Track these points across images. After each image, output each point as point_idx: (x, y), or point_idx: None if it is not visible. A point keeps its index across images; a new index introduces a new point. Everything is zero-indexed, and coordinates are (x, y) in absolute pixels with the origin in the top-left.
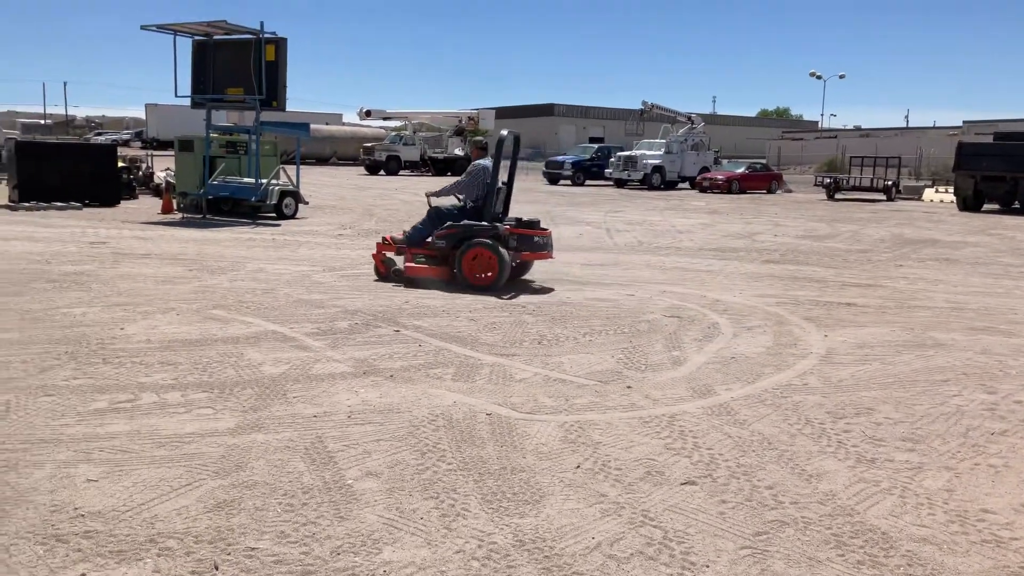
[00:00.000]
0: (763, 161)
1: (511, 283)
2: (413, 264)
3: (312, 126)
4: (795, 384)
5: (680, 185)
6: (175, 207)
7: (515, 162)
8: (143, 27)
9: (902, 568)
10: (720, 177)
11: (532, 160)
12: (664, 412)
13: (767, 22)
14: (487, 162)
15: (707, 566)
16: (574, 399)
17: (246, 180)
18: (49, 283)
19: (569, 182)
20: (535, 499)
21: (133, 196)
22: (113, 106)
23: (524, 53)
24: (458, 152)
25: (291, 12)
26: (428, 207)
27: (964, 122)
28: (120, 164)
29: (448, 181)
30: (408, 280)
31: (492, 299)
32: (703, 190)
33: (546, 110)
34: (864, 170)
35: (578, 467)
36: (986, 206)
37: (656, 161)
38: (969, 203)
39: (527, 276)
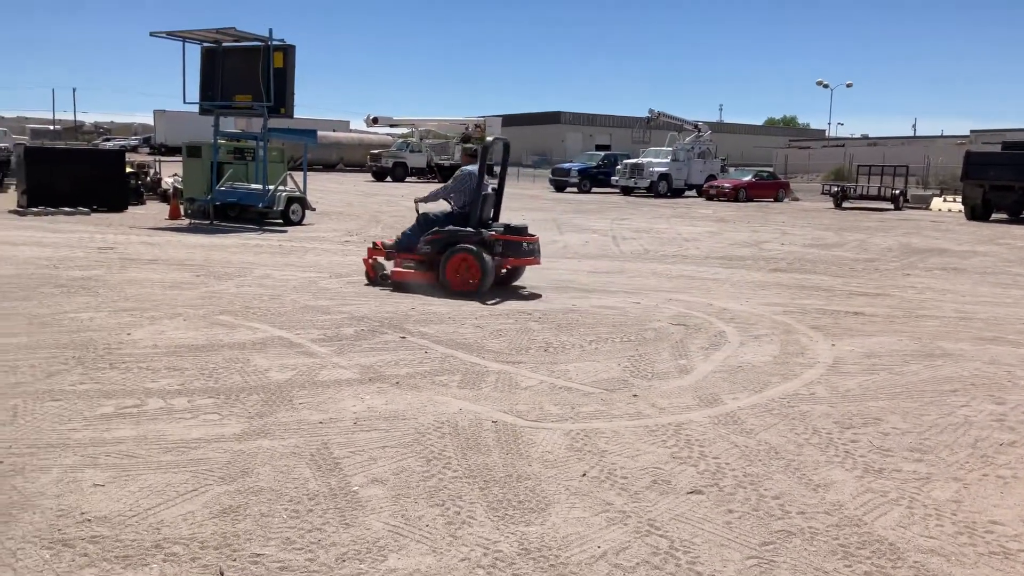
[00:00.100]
0: (770, 169)
1: (500, 289)
2: (400, 269)
3: (319, 133)
4: (802, 393)
5: (687, 193)
6: (183, 213)
7: (505, 168)
8: (152, 34)
9: None
10: (727, 185)
11: (539, 167)
12: (670, 421)
13: (774, 30)
14: (474, 168)
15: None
16: (580, 407)
17: (253, 186)
18: (57, 288)
19: (575, 189)
20: (541, 507)
21: (141, 202)
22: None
23: (531, 61)
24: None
25: (300, 19)
26: (416, 213)
27: (972, 131)
28: (128, 170)
29: (437, 187)
30: (395, 285)
31: (498, 306)
32: (710, 198)
33: (553, 118)
34: (871, 179)
35: (584, 475)
36: (994, 215)
37: (663, 169)
38: (977, 212)
39: (519, 282)
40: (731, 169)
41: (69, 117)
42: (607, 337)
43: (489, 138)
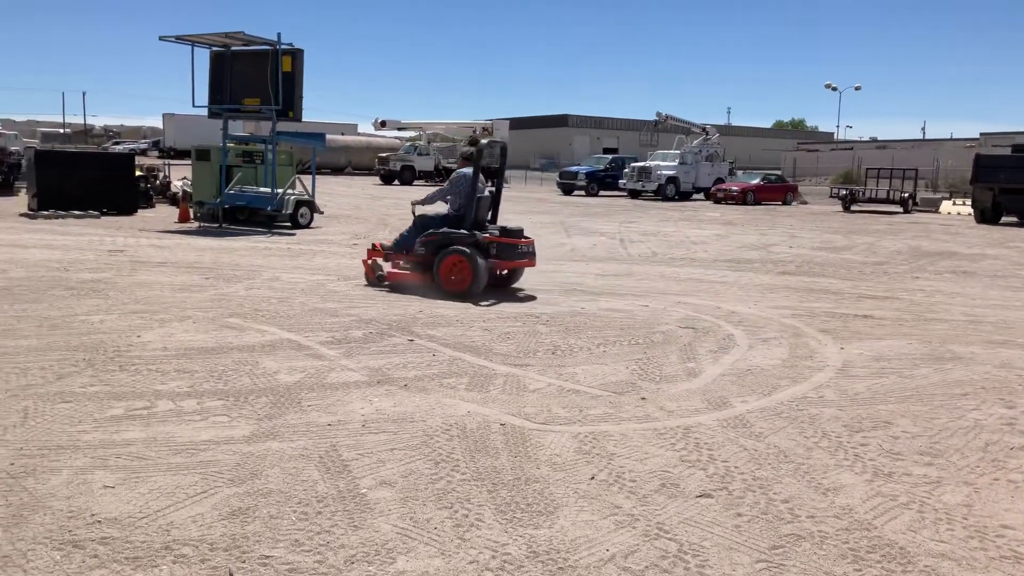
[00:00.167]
0: (778, 172)
1: (498, 291)
2: (395, 270)
3: (327, 136)
4: (811, 397)
5: (694, 196)
6: (192, 216)
7: (503, 171)
8: (161, 38)
9: None
10: (735, 188)
11: (546, 171)
12: (679, 424)
13: (782, 33)
14: (469, 171)
15: None
16: (588, 410)
17: (262, 190)
18: (67, 290)
19: (583, 192)
20: (549, 510)
21: (150, 205)
22: (131, 116)
23: (538, 64)
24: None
25: (308, 23)
26: (413, 215)
27: (981, 134)
28: (137, 173)
29: (434, 189)
30: (392, 285)
31: (506, 309)
32: (717, 201)
33: (560, 121)
34: (880, 182)
35: (592, 478)
36: (1004, 219)
37: (670, 172)
38: (987, 215)
39: (519, 284)
40: (739, 172)
41: (79, 121)
42: (615, 340)
43: (484, 140)
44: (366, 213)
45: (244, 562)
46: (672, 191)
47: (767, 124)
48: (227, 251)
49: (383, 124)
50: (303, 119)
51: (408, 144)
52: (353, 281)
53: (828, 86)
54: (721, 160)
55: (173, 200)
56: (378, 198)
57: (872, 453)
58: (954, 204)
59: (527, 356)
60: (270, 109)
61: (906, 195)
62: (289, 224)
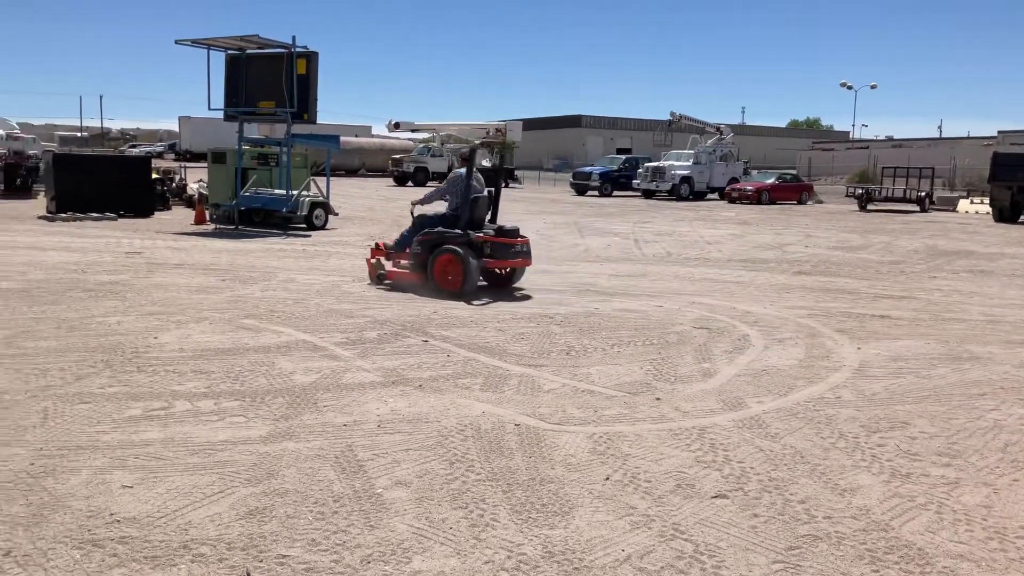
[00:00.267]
0: (793, 172)
1: (497, 291)
2: (394, 269)
3: (342, 138)
4: (828, 397)
5: (709, 196)
6: (208, 218)
7: (502, 171)
8: (177, 42)
9: None
10: (749, 188)
11: (559, 171)
12: (694, 424)
13: (797, 32)
14: (464, 171)
15: None
16: (603, 410)
17: (277, 192)
18: (85, 292)
19: (596, 193)
20: (564, 510)
21: (167, 207)
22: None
23: (552, 65)
24: (485, 163)
25: (322, 26)
26: (412, 216)
27: (999, 132)
28: (154, 176)
29: (432, 189)
30: (392, 284)
31: (520, 309)
32: (732, 201)
33: (574, 121)
34: (896, 181)
35: (607, 479)
36: (1023, 217)
37: (684, 172)
38: (1005, 214)
39: (519, 283)
40: (754, 172)
41: (96, 124)
42: (629, 340)
43: (477, 141)
44: (380, 215)
45: (261, 561)
46: (686, 191)
47: (782, 123)
48: (243, 253)
49: (396, 126)
50: (317, 121)
51: (421, 146)
52: (367, 282)
53: (843, 85)
54: (735, 160)
55: (189, 202)
56: (392, 199)
57: (890, 454)
58: (971, 203)
59: (541, 357)
60: (285, 111)
61: (923, 194)
62: (304, 226)
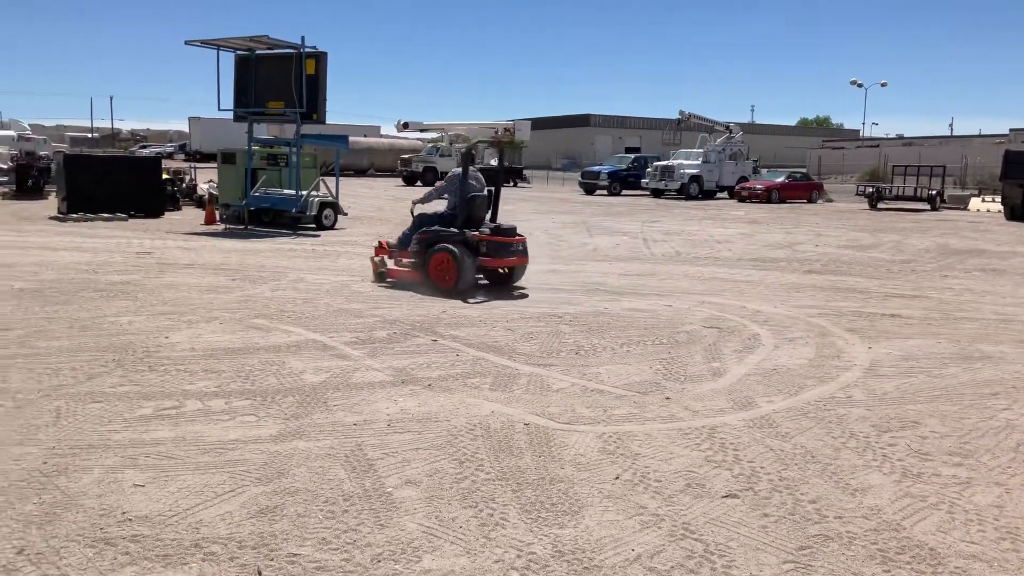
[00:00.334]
0: (803, 170)
1: (496, 289)
2: (394, 267)
3: (351, 138)
4: (839, 397)
5: (718, 195)
6: (218, 218)
7: (501, 170)
8: (187, 42)
9: None
10: (759, 187)
11: (568, 170)
12: (704, 424)
13: (807, 30)
14: (461, 170)
15: None
16: (612, 410)
17: (287, 192)
18: (96, 292)
19: (605, 192)
20: (574, 510)
21: (177, 207)
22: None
23: (560, 64)
24: (493, 163)
25: (331, 26)
26: (412, 215)
27: (1011, 130)
28: (164, 176)
29: (431, 189)
30: (393, 283)
31: (529, 309)
32: (742, 200)
33: (582, 120)
34: (907, 179)
35: (617, 478)
36: None
37: (694, 171)
38: (1017, 212)
39: (521, 282)
40: (763, 170)
41: (107, 125)
42: (639, 340)
43: (474, 140)
44: (389, 214)
45: (272, 560)
46: (695, 190)
47: (791, 122)
48: (253, 253)
49: (405, 126)
50: (326, 121)
51: (430, 145)
52: (385, 284)
53: (853, 83)
54: (745, 158)
55: (199, 203)
56: (401, 199)
57: (901, 453)
58: (983, 201)
59: (550, 356)
60: (294, 112)
61: (934, 192)
62: (313, 226)
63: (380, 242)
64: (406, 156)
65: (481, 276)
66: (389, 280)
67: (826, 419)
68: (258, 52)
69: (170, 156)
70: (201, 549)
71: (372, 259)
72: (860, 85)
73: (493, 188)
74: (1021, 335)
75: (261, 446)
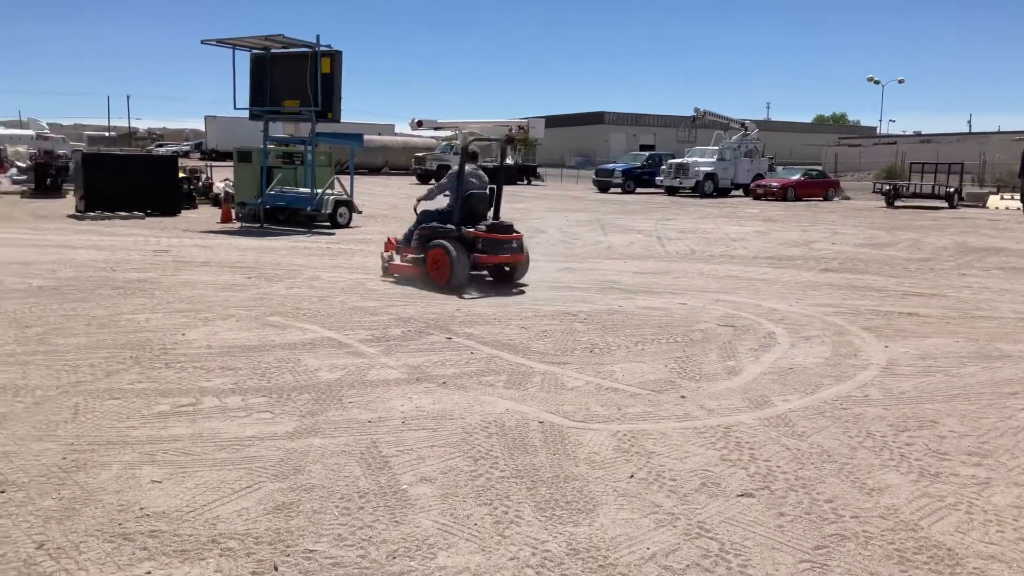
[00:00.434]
0: (819, 168)
1: (498, 286)
2: (397, 263)
3: (365, 137)
4: (855, 396)
5: (733, 193)
6: (234, 217)
7: (502, 168)
8: (203, 42)
9: None
10: (775, 184)
11: (582, 168)
12: (719, 423)
13: (823, 26)
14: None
15: None
16: (627, 408)
17: (302, 190)
18: (114, 290)
19: (619, 190)
20: (588, 508)
21: (193, 206)
22: (174, 118)
23: (575, 61)
24: (508, 161)
25: (346, 25)
26: (415, 212)
27: None
28: (181, 175)
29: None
30: (397, 278)
31: (543, 307)
32: (757, 197)
33: (596, 118)
34: (925, 177)
35: (632, 477)
36: None
37: (708, 168)
38: None
39: (525, 280)
40: (779, 168)
41: (124, 124)
42: (653, 338)
43: (470, 138)
44: (403, 212)
45: (289, 556)
46: (710, 187)
47: (807, 119)
48: (268, 251)
49: (419, 124)
50: (341, 120)
51: (444, 144)
52: (391, 279)
53: (870, 79)
54: (760, 156)
55: (215, 201)
56: (414, 197)
57: (918, 453)
58: (1002, 199)
59: (565, 354)
60: (309, 110)
61: (952, 190)
62: (328, 224)
63: (389, 239)
64: (420, 154)
65: (486, 272)
66: (393, 276)
67: (843, 418)
68: (273, 51)
69: (186, 155)
70: (218, 545)
71: (382, 255)
72: (877, 82)
73: (495, 185)
74: None
75: (277, 443)
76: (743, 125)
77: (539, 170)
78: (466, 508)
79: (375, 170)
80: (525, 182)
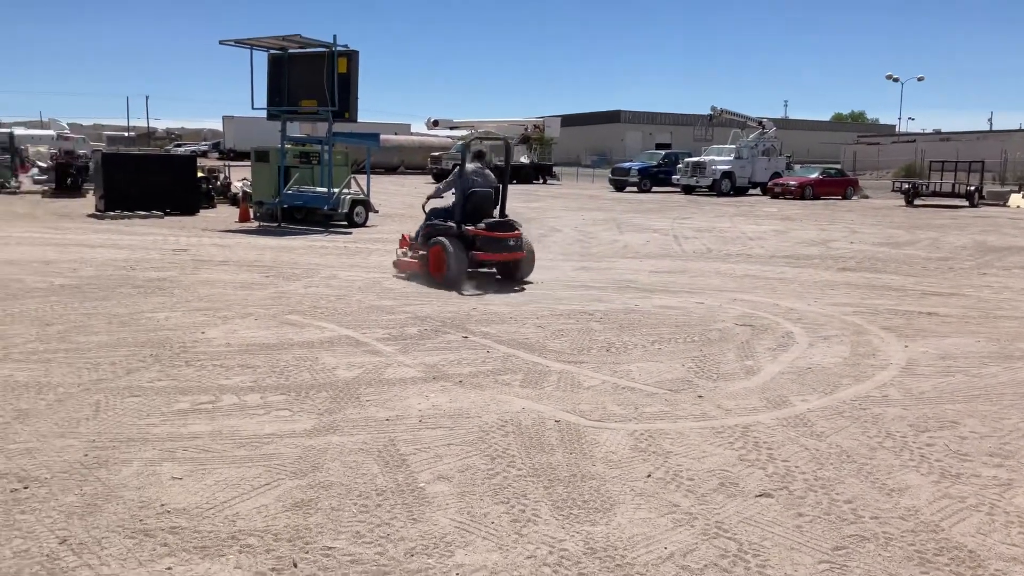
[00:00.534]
0: (838, 166)
1: (503, 283)
2: (404, 259)
3: (381, 136)
4: (874, 396)
5: (751, 191)
6: (252, 216)
7: (508, 167)
8: (221, 42)
9: None
10: (793, 183)
11: (598, 167)
12: (737, 422)
13: (841, 23)
14: (467, 166)
15: None
16: (644, 407)
17: (319, 189)
18: (134, 288)
19: (635, 189)
20: (605, 507)
21: (212, 205)
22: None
23: (591, 60)
24: (523, 160)
25: (362, 25)
26: (423, 210)
27: None
28: (199, 174)
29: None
30: (408, 275)
31: (559, 306)
32: (775, 196)
33: (612, 116)
34: (945, 175)
35: (649, 476)
36: None
37: (725, 167)
38: None
39: (531, 277)
40: (797, 166)
41: (143, 124)
42: (670, 337)
43: (471, 137)
44: (419, 212)
45: (307, 553)
46: (727, 186)
47: (826, 117)
48: (286, 250)
49: (435, 123)
50: (358, 120)
51: (460, 143)
52: (407, 278)
53: (889, 77)
54: (778, 154)
55: (233, 200)
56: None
57: (939, 454)
58: (1023, 197)
59: (581, 353)
60: (326, 110)
61: (972, 188)
62: (345, 223)
63: (403, 235)
64: (436, 154)
65: (495, 270)
66: (404, 273)
67: (862, 418)
68: (291, 51)
69: (204, 155)
70: (238, 541)
71: (396, 251)
72: (896, 79)
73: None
74: None
75: (296, 440)
76: (760, 123)
77: (555, 169)
78: (483, 506)
79: (391, 169)
80: (541, 181)
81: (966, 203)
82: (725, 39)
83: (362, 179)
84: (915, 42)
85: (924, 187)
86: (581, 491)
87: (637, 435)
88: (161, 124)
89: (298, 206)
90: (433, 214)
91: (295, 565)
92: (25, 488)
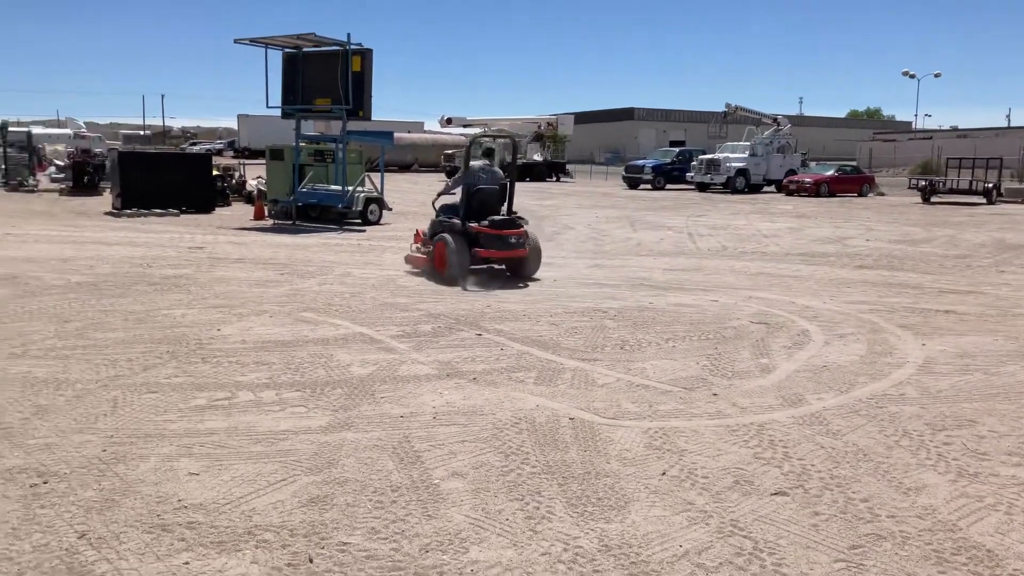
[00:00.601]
0: (853, 163)
1: (506, 280)
2: (414, 254)
3: (395, 134)
4: (891, 394)
5: (765, 189)
6: (266, 214)
7: (515, 165)
8: (236, 41)
9: None
10: (808, 180)
11: (611, 165)
12: (752, 421)
13: (856, 19)
14: (474, 164)
15: None
16: (658, 405)
17: (333, 187)
18: (150, 286)
19: (649, 186)
20: (620, 505)
21: (227, 203)
22: (207, 117)
23: (604, 57)
24: (536, 158)
25: (376, 23)
26: (433, 207)
27: None
28: (215, 173)
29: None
30: (420, 271)
31: (573, 304)
32: (790, 193)
33: (626, 114)
34: (962, 172)
35: (664, 474)
36: None
37: (740, 164)
38: None
39: (537, 274)
40: (812, 163)
41: (158, 122)
42: (684, 335)
43: (473, 134)
44: (432, 209)
45: (323, 548)
46: (741, 183)
47: (841, 114)
48: (300, 247)
49: (449, 121)
50: (372, 118)
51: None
52: (421, 276)
53: (905, 74)
54: (793, 151)
55: (248, 198)
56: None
57: (956, 453)
58: None
59: (595, 351)
60: (341, 109)
61: (990, 185)
62: (359, 221)
63: (417, 231)
64: (449, 151)
65: (504, 267)
66: (417, 268)
67: (878, 417)
68: (305, 50)
69: (220, 153)
70: (254, 536)
71: (411, 246)
72: (912, 76)
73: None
74: None
75: (311, 437)
76: (775, 120)
77: (568, 167)
78: (498, 503)
79: (405, 167)
80: (554, 179)
81: (984, 200)
82: (740, 36)
83: (376, 177)
84: (932, 38)
85: (941, 184)
86: (595, 488)
87: (652, 433)
88: (176, 123)
89: (312, 204)
90: (443, 211)
91: (311, 560)
92: (44, 483)
